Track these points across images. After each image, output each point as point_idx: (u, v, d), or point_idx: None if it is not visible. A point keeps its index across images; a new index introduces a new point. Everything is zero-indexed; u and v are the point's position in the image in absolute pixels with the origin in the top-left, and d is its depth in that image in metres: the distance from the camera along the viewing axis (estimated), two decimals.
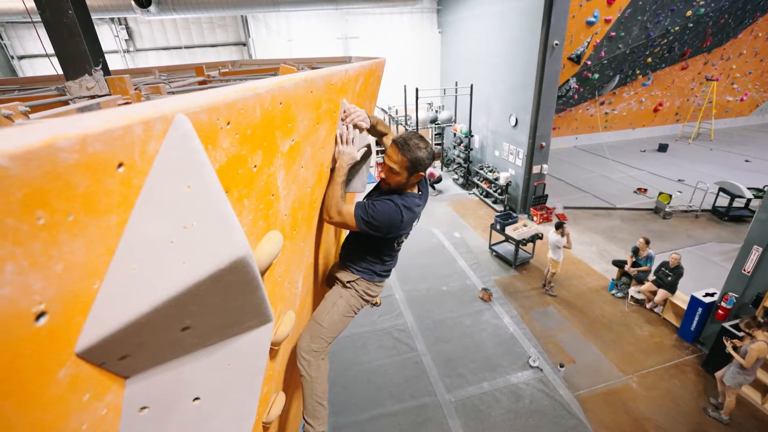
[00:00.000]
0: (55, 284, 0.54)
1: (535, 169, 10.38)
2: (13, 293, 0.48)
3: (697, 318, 5.92)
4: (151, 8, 9.60)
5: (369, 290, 2.06)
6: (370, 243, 1.97)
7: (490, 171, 11.97)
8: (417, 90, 11.78)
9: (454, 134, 13.73)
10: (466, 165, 12.96)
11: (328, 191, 1.79)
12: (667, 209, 10.14)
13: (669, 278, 6.45)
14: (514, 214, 9.33)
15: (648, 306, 6.83)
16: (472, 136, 12.79)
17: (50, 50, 2.30)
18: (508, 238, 8.40)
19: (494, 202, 11.55)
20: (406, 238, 2.07)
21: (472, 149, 12.92)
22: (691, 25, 14.04)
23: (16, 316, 0.50)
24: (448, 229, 10.22)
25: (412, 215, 1.86)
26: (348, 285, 2.02)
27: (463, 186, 13.21)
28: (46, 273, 0.52)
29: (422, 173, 1.86)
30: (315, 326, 1.90)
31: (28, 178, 0.46)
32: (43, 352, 0.56)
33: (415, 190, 1.95)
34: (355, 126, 1.83)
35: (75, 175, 0.52)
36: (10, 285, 0.48)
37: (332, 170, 1.83)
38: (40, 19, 2.20)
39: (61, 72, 2.30)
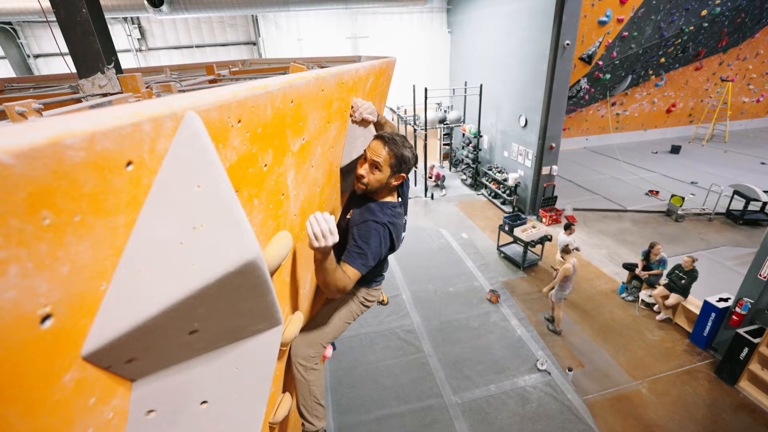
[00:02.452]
0: (61, 286, 0.52)
1: (545, 170, 10.26)
2: (17, 296, 0.47)
3: (710, 323, 5.79)
4: (164, 8, 9.69)
5: (368, 296, 2.04)
6: None
7: (499, 172, 11.86)
8: (426, 90, 11.72)
9: (463, 134, 13.64)
10: (474, 165, 12.87)
11: (328, 279, 1.42)
12: (679, 212, 9.95)
13: (683, 281, 6.33)
14: (523, 216, 9.23)
15: (655, 309, 6.70)
16: (481, 136, 12.70)
17: (65, 49, 2.33)
18: (516, 240, 8.32)
19: (503, 203, 11.45)
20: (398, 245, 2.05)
21: (480, 150, 12.83)
22: (706, 24, 13.76)
23: (21, 319, 0.48)
24: (455, 229, 10.16)
25: (398, 230, 1.77)
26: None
27: (472, 186, 13.13)
28: (52, 275, 0.50)
29: (404, 175, 1.76)
30: (313, 332, 1.88)
31: (33, 176, 0.45)
32: (49, 356, 0.54)
33: (395, 198, 1.81)
34: (363, 119, 1.82)
35: (82, 173, 0.51)
36: (15, 287, 0.46)
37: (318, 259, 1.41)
38: (55, 19, 2.23)
39: (74, 70, 2.32)
